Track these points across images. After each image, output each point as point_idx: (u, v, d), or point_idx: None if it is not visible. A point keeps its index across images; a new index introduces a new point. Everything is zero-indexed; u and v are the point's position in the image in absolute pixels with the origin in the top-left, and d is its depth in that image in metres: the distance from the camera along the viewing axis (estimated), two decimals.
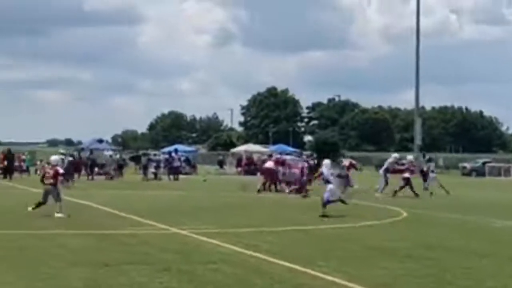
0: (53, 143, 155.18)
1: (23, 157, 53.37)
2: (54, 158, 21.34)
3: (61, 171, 20.42)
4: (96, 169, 49.17)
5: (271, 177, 32.64)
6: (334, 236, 15.73)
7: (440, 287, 9.67)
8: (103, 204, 23.29)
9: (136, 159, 56.59)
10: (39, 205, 19.52)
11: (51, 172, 19.79)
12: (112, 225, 17.12)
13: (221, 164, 66.59)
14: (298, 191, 30.00)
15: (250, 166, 60.10)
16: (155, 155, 73.12)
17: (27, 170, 51.52)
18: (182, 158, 55.93)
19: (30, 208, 19.56)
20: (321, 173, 21.13)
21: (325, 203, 20.12)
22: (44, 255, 12.00)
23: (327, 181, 20.69)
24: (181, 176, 47.98)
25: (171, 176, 47.61)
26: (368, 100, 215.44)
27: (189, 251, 12.81)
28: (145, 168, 47.64)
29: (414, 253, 13.13)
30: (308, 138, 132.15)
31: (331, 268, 11.01)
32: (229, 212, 21.65)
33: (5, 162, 47.01)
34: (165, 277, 10.07)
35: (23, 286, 9.33)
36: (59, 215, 18.83)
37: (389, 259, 12.18)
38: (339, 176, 22.16)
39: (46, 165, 21.88)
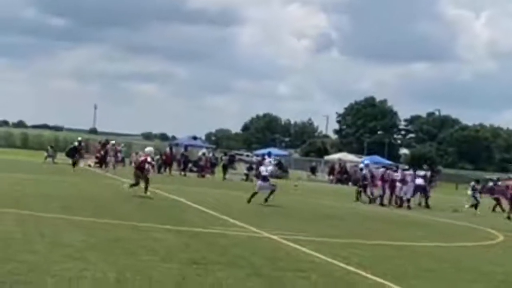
0: (147, 136, 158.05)
1: (119, 148, 54.52)
2: (148, 149, 25.72)
3: (149, 159, 24.45)
4: (189, 165, 49.85)
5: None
6: (428, 255, 15.34)
7: None
8: (194, 201, 23.51)
9: (229, 158, 56.95)
10: (132, 186, 23.83)
11: (143, 159, 24.40)
12: (203, 224, 17.20)
13: (313, 170, 66.27)
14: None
15: (342, 175, 59.69)
16: (247, 156, 73.64)
17: (123, 161, 52.56)
18: (275, 162, 55.89)
19: (126, 186, 24.05)
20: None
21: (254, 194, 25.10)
22: (136, 247, 12.12)
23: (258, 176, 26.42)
24: (272, 180, 48.00)
25: None
26: (469, 117, 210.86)
27: (279, 257, 12.69)
28: (224, 168, 47.65)
29: (511, 279, 12.65)
30: (403, 151, 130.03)
31: (423, 287, 10.70)
32: (321, 221, 21.48)
33: (102, 152, 48.28)
34: (254, 281, 9.99)
35: (114, 275, 9.42)
36: (147, 194, 23.27)
37: (483, 284, 11.77)
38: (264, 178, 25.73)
39: (139, 153, 26.55)
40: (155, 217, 17.68)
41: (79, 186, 27.31)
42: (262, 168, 27.14)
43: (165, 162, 48.05)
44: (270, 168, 26.94)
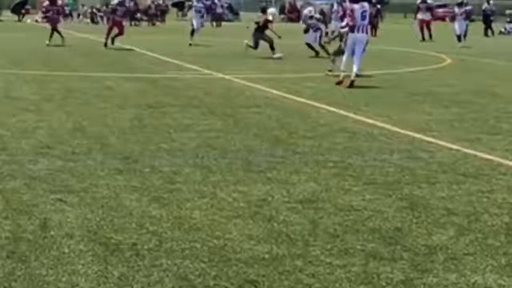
0: None
1: (66, 1, 53.24)
2: (271, 10, 25.09)
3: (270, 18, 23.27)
4: (138, 15, 49.04)
5: None
6: (377, 82, 15.61)
7: (483, 131, 9.63)
8: (147, 49, 23.38)
9: (178, 5, 56.03)
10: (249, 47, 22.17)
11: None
12: (156, 70, 17.23)
13: (264, 11, 65.49)
14: None
15: (293, 13, 59.34)
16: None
17: (70, 15, 51.56)
18: (225, 5, 55.25)
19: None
20: None
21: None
22: (91, 97, 12.17)
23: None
24: (223, 23, 47.64)
25: (214, 23, 47.31)
26: None
27: (233, 95, 12.89)
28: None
29: (459, 98, 13.03)
30: None
31: (374, 113, 10.99)
32: (274, 59, 21.51)
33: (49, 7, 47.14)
34: (210, 119, 10.16)
35: (70, 124, 9.49)
36: (277, 55, 21.20)
37: (433, 105, 12.11)
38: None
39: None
40: (109, 67, 17.64)
41: (28, 41, 26.85)
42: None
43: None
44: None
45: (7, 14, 48.15)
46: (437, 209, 5.91)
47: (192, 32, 26.87)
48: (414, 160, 7.71)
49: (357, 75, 14.58)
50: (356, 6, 14.59)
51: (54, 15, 25.99)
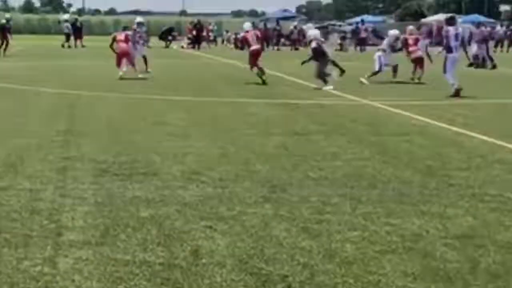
0: (237, 14, 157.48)
1: (210, 27, 54.66)
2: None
3: None
4: (282, 39, 49.58)
5: None
6: None
7: None
8: (290, 74, 23.42)
9: (321, 29, 56.20)
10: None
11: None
12: (301, 95, 17.18)
13: None
14: None
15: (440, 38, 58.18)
16: (340, 26, 72.49)
17: (215, 40, 52.88)
18: (369, 29, 54.83)
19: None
20: None
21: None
22: (236, 123, 12.24)
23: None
24: (367, 48, 47.26)
25: (358, 48, 47.08)
26: None
27: (381, 122, 12.60)
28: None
29: None
30: (504, 7, 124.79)
31: None
32: (421, 85, 20.99)
33: (194, 32, 48.59)
34: (357, 147, 9.95)
35: (216, 149, 9.56)
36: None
37: None
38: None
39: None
40: (252, 92, 17.75)
41: (175, 67, 27.60)
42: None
43: (261, 38, 47.92)
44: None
45: (155, 41, 49.83)
46: None
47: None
48: None
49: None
50: (450, 28, 17.22)
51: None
